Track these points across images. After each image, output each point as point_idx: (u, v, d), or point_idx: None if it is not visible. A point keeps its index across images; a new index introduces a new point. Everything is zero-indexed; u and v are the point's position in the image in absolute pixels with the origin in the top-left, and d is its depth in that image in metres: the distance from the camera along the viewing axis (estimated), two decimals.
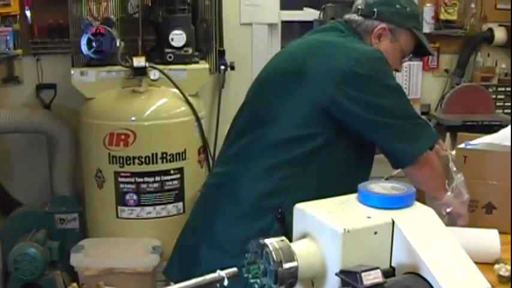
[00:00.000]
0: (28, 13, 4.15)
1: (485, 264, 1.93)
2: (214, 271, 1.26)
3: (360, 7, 2.36)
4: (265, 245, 1.23)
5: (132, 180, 3.66)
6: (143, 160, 3.63)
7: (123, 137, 3.62)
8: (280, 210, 1.43)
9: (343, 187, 2.17)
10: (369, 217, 1.25)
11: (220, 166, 2.41)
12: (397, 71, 2.41)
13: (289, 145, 2.16)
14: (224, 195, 2.29)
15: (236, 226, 2.19)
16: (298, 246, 1.26)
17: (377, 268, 1.16)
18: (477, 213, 2.40)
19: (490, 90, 4.67)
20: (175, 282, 1.25)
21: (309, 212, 1.30)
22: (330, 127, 2.15)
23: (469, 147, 2.51)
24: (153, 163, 3.64)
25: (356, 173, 2.20)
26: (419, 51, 2.51)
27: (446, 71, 4.81)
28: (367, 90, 2.14)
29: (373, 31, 2.33)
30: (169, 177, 3.69)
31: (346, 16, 2.41)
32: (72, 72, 3.79)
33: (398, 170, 2.50)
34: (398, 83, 2.27)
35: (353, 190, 2.12)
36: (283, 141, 2.16)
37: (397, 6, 2.35)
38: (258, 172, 2.20)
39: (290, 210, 2.09)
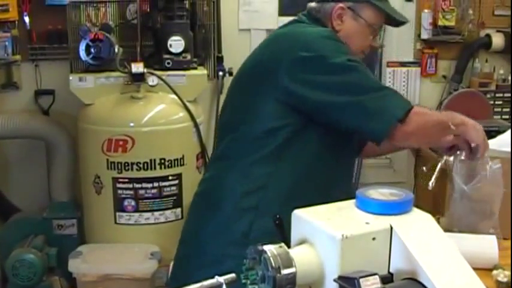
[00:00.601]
0: (27, 19, 4.16)
1: (483, 270, 1.93)
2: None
3: None
4: (263, 251, 1.23)
5: (131, 186, 3.66)
6: (141, 166, 3.63)
7: (121, 142, 3.62)
8: (278, 216, 1.43)
9: (319, 183, 2.18)
10: (367, 223, 1.25)
11: (207, 172, 2.44)
12: (374, 48, 2.42)
13: (261, 141, 2.16)
14: (207, 202, 2.31)
15: (219, 232, 2.20)
16: (297, 252, 1.26)
17: (375, 274, 1.16)
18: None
19: (488, 96, 4.67)
20: None
21: (307, 218, 1.30)
22: (298, 118, 2.14)
23: None
24: (151, 169, 3.64)
25: (333, 168, 2.22)
26: (393, 21, 2.39)
27: (444, 77, 4.82)
28: (316, 71, 2.10)
29: (332, 13, 2.28)
30: (167, 183, 3.69)
31: (308, 5, 2.39)
32: (70, 78, 3.80)
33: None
34: (353, 58, 2.16)
35: (331, 186, 2.15)
36: (256, 138, 2.17)
37: None
38: (236, 174, 2.20)
39: (268, 208, 2.12)
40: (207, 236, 2.23)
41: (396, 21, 2.39)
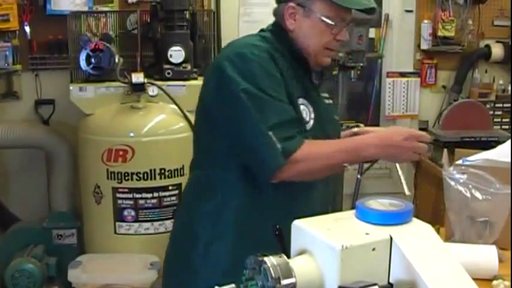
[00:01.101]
0: (27, 29, 4.17)
1: (483, 281, 1.93)
2: None
3: None
4: (263, 261, 1.23)
5: (130, 196, 3.66)
6: (141, 176, 3.63)
7: (121, 152, 3.62)
8: (277, 227, 1.43)
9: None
10: (367, 233, 1.25)
11: None
12: (341, 42, 2.22)
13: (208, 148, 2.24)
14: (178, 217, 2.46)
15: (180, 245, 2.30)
16: (296, 263, 1.26)
17: (375, 284, 1.16)
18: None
19: (488, 106, 4.68)
20: None
21: (307, 229, 1.30)
22: None
23: (466, 163, 2.51)
24: (151, 179, 3.64)
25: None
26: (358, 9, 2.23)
27: (444, 87, 4.82)
28: (220, 93, 2.10)
29: (284, 14, 2.20)
30: (167, 193, 3.69)
31: None
32: (70, 88, 3.80)
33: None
34: (254, 86, 2.03)
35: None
36: (205, 148, 2.26)
37: None
38: (194, 184, 2.29)
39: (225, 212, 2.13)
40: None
41: (365, 9, 2.24)
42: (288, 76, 2.13)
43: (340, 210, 2.11)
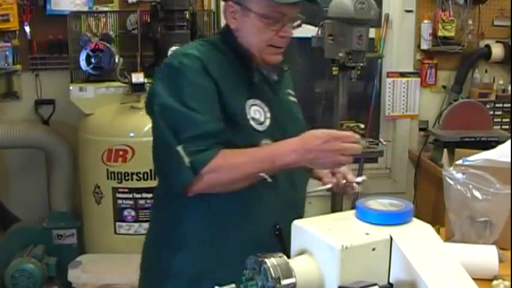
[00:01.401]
0: (27, 29, 4.17)
1: (483, 281, 1.93)
2: None
3: None
4: (263, 262, 1.23)
5: (130, 196, 3.66)
6: (141, 176, 3.63)
7: (121, 152, 3.63)
8: (277, 227, 1.43)
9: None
10: (367, 233, 1.25)
11: None
12: (285, 38, 2.12)
13: None
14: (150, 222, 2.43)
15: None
16: (296, 263, 1.26)
17: (375, 284, 1.16)
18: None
19: (488, 106, 4.67)
20: None
21: (307, 229, 1.30)
22: None
23: (466, 163, 2.51)
24: (151, 179, 3.64)
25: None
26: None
27: (444, 87, 4.82)
28: (148, 108, 2.11)
29: (226, 14, 2.16)
30: None
31: None
32: (70, 88, 3.81)
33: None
34: (175, 100, 2.01)
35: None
36: None
37: None
38: (156, 194, 2.30)
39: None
40: None
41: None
42: (229, 81, 2.08)
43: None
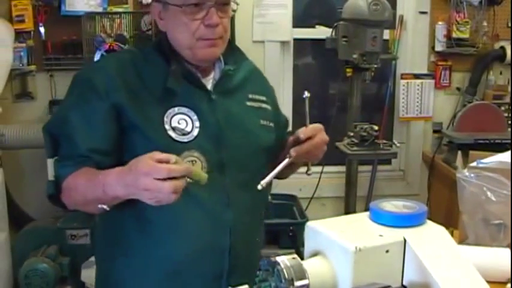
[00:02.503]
0: (42, 29, 4.18)
1: (497, 283, 1.92)
2: None
3: None
4: (276, 263, 1.23)
5: None
6: None
7: None
8: (291, 228, 1.43)
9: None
10: (380, 235, 1.25)
11: None
12: (210, 26, 1.97)
13: None
14: None
15: None
16: (310, 264, 1.26)
17: (388, 286, 1.16)
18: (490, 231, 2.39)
19: (502, 108, 4.65)
20: None
21: (320, 230, 1.30)
22: None
23: (480, 165, 2.50)
24: None
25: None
26: None
27: (458, 89, 4.80)
28: None
29: (154, 16, 2.07)
30: None
31: None
32: None
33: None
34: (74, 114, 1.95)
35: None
36: None
37: None
38: None
39: None
40: None
41: None
42: (145, 91, 1.97)
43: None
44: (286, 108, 4.54)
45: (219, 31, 2.01)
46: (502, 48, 4.72)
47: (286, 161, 1.97)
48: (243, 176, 2.05)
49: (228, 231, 2.01)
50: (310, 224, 1.34)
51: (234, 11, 2.07)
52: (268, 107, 2.25)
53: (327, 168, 4.49)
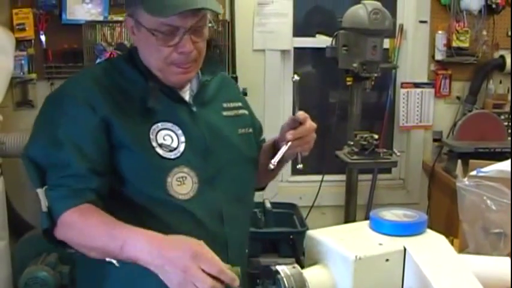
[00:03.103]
0: (43, 38, 4.19)
1: None
2: None
3: None
4: (276, 272, 1.24)
5: None
6: None
7: None
8: (291, 237, 1.43)
9: None
10: (380, 244, 1.25)
11: None
12: (183, 54, 1.87)
13: None
14: None
15: None
16: (310, 273, 1.26)
17: None
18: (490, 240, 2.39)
19: (502, 117, 4.65)
20: None
21: (320, 239, 1.30)
22: None
23: (480, 174, 2.51)
24: None
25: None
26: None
27: (458, 98, 4.81)
28: None
29: (127, 27, 1.97)
30: None
31: None
32: None
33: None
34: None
35: None
36: None
37: None
38: None
39: None
40: None
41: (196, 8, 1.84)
42: (127, 107, 1.87)
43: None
44: (286, 116, 4.54)
45: (193, 56, 1.90)
46: (502, 57, 4.73)
47: (285, 146, 1.95)
48: (233, 189, 2.01)
49: (225, 247, 1.95)
50: (310, 233, 1.34)
51: (211, 23, 1.96)
52: (245, 111, 2.21)
53: (327, 177, 4.49)
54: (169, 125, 1.91)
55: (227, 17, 4.38)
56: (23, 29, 4.10)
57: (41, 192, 1.80)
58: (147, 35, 1.86)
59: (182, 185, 1.87)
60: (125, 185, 1.84)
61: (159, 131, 1.88)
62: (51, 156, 1.83)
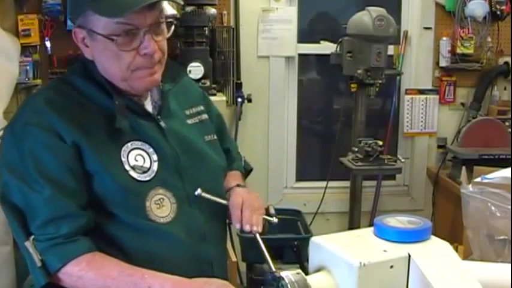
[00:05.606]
0: (48, 44, 4.20)
1: None
2: None
3: None
4: (281, 278, 1.23)
5: None
6: None
7: None
8: (295, 243, 1.43)
9: None
10: (385, 251, 1.25)
11: None
12: (147, 56, 1.77)
13: None
14: None
15: None
16: (314, 280, 1.26)
17: None
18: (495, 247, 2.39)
19: (507, 123, 4.65)
20: None
21: (324, 245, 1.30)
22: None
23: (485, 181, 2.50)
24: None
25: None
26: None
27: (462, 104, 4.81)
28: None
29: (77, 42, 1.84)
30: None
31: None
32: None
33: None
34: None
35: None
36: None
37: None
38: None
39: None
40: None
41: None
42: (94, 129, 1.76)
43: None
44: (290, 123, 4.55)
45: (157, 57, 1.79)
46: (506, 63, 4.73)
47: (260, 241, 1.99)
48: (211, 205, 1.94)
49: (210, 266, 1.92)
50: (314, 239, 1.34)
51: (172, 22, 1.84)
52: (206, 116, 2.12)
53: (331, 184, 4.49)
54: (139, 143, 1.81)
55: (232, 23, 4.39)
56: (28, 35, 4.11)
57: (29, 245, 1.65)
58: (105, 43, 1.74)
59: (161, 207, 1.80)
60: (104, 216, 1.74)
61: (129, 152, 1.79)
62: (29, 197, 1.66)
